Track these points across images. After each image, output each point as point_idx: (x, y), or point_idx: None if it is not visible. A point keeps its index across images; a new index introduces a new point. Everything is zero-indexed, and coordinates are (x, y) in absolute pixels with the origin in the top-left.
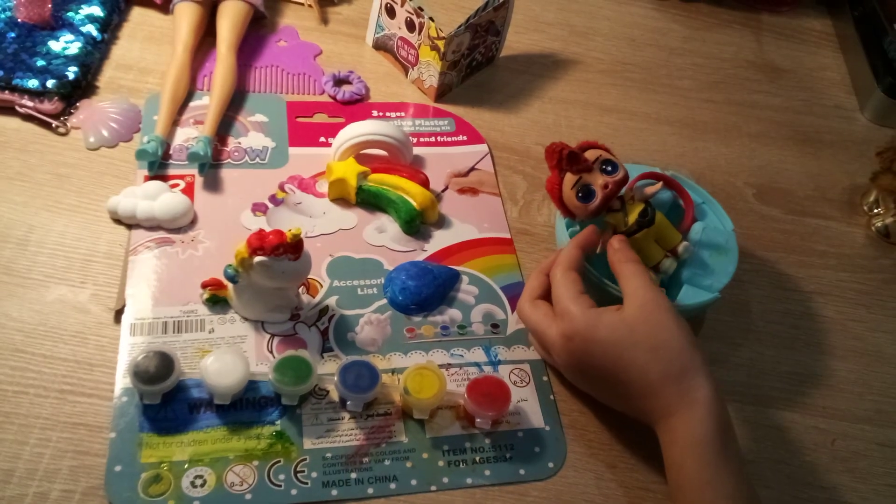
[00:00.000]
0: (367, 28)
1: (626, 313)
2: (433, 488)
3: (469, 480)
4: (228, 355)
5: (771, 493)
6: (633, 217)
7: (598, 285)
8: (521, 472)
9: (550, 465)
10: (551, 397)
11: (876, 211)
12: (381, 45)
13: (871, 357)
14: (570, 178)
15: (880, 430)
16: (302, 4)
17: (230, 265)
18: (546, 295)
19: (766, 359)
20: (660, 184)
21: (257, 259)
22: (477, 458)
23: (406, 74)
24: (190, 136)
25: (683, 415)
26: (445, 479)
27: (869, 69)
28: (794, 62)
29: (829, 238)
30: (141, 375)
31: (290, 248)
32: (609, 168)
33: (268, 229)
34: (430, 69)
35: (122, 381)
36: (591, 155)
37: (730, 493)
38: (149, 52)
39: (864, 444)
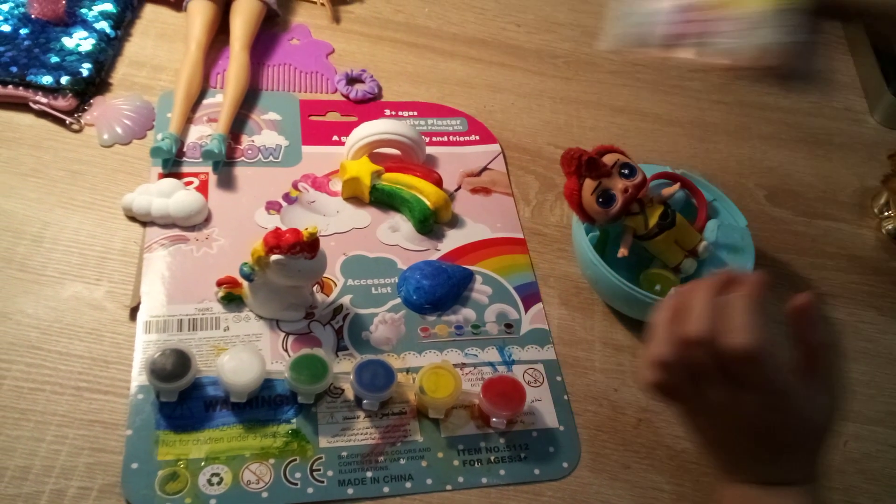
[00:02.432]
0: None
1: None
2: (448, 487)
3: (484, 480)
4: (245, 353)
5: None
6: (653, 220)
7: (622, 288)
8: (536, 471)
9: (565, 465)
10: (565, 397)
11: (886, 213)
12: None
13: (883, 359)
14: (589, 184)
15: (892, 431)
16: (314, 3)
17: (246, 263)
18: None
19: None
20: (677, 185)
21: (274, 257)
22: (492, 458)
23: None
24: (204, 133)
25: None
26: (461, 479)
27: (879, 72)
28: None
29: (840, 240)
30: (158, 373)
31: (307, 247)
32: (627, 172)
33: (282, 228)
34: None
35: (137, 378)
36: (608, 159)
37: None
38: (162, 50)
39: (875, 446)
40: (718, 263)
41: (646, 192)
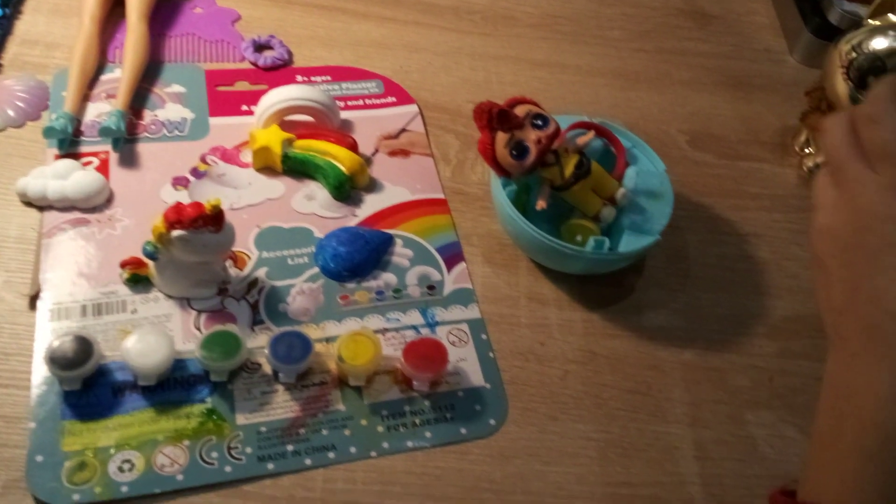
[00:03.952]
0: None
1: None
2: (373, 454)
3: (410, 444)
4: (151, 335)
5: (711, 434)
6: (569, 169)
7: (541, 241)
8: (463, 431)
9: (492, 422)
10: (491, 355)
11: (807, 151)
12: None
13: (806, 294)
14: (501, 137)
15: (817, 364)
16: None
17: (149, 242)
18: None
19: (703, 303)
20: (591, 133)
21: (176, 233)
22: (417, 421)
23: None
24: (103, 111)
25: None
26: (385, 444)
27: (797, 11)
28: (722, 7)
29: (763, 180)
30: (58, 361)
31: (210, 221)
32: (540, 122)
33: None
34: None
35: (39, 369)
36: (520, 111)
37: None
38: (55, 26)
39: (801, 380)
40: (638, 209)
41: (561, 143)
